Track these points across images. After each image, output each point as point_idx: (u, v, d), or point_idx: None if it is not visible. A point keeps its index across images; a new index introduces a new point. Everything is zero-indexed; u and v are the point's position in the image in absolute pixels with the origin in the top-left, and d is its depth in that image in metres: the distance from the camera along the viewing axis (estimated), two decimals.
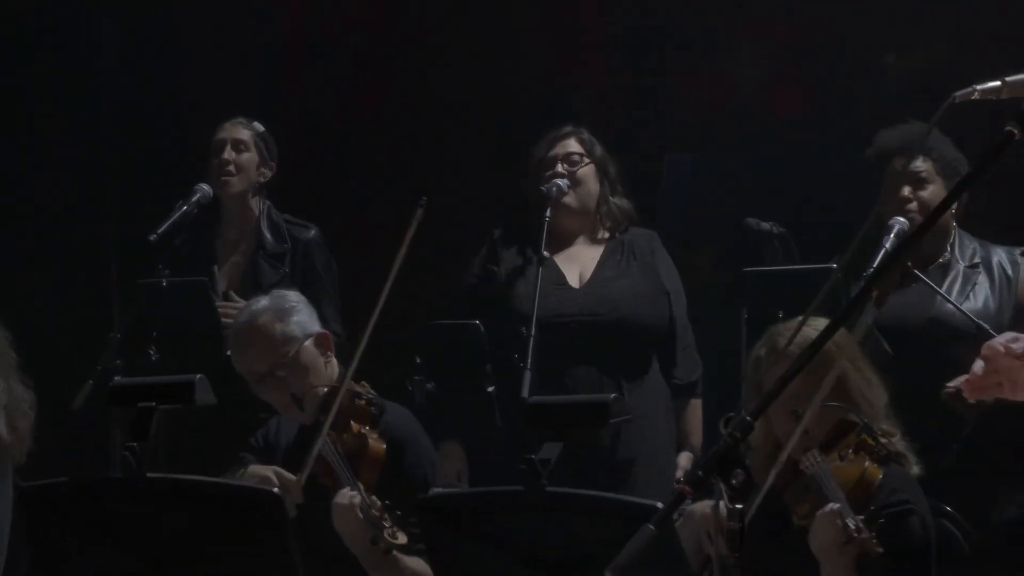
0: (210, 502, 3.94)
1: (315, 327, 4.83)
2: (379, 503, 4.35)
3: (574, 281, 5.61)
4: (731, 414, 2.80)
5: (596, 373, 5.49)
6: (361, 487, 4.43)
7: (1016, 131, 2.74)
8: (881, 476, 4.10)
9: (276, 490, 4.24)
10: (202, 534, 3.88)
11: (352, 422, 4.59)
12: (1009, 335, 3.18)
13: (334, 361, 4.85)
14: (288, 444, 4.87)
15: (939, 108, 2.79)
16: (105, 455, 5.74)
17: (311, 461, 4.50)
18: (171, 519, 3.92)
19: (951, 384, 3.87)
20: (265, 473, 4.64)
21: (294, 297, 4.89)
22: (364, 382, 4.71)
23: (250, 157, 5.99)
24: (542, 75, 6.81)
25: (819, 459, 4.03)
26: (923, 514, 4.11)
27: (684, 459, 5.58)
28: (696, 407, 5.68)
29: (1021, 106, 2.75)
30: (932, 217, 2.92)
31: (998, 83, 2.77)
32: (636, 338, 5.58)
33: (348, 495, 4.43)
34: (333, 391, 4.64)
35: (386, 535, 4.31)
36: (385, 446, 4.57)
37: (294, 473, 4.58)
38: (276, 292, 4.96)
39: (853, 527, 3.91)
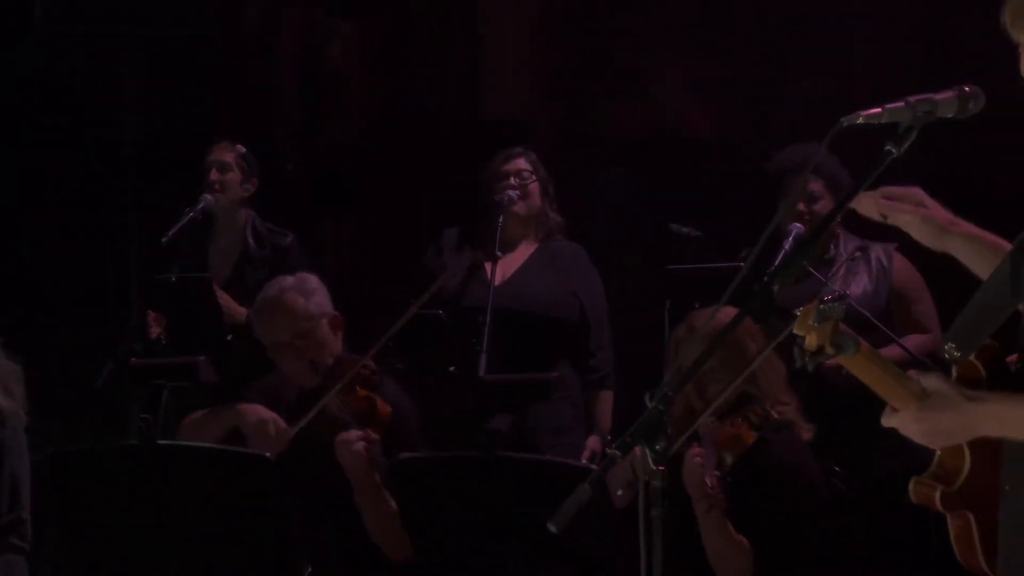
0: (211, 465, 3.95)
1: (329, 308, 4.76)
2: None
3: (499, 279, 5.47)
4: (655, 389, 2.78)
5: (511, 362, 5.30)
6: (374, 440, 4.38)
7: (894, 150, 2.74)
8: (754, 440, 4.11)
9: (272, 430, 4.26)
10: (204, 492, 3.88)
11: (358, 387, 4.55)
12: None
13: (340, 339, 4.77)
14: (291, 403, 4.75)
15: (829, 131, 2.79)
16: (123, 425, 5.71)
17: (311, 415, 4.41)
18: (178, 480, 3.92)
19: None
20: (265, 416, 4.56)
21: (315, 281, 4.81)
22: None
23: (233, 176, 6.00)
24: (497, 103, 6.80)
25: (711, 423, 4.04)
26: (808, 472, 4.13)
27: (592, 442, 5.47)
28: (606, 398, 5.57)
29: (898, 129, 2.76)
30: (823, 226, 2.92)
31: (879, 109, 2.77)
32: (541, 331, 5.46)
33: (354, 433, 4.37)
34: (341, 362, 4.61)
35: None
36: (391, 409, 4.53)
37: (297, 438, 4.51)
38: (300, 274, 4.86)
39: (708, 482, 3.94)
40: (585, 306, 5.57)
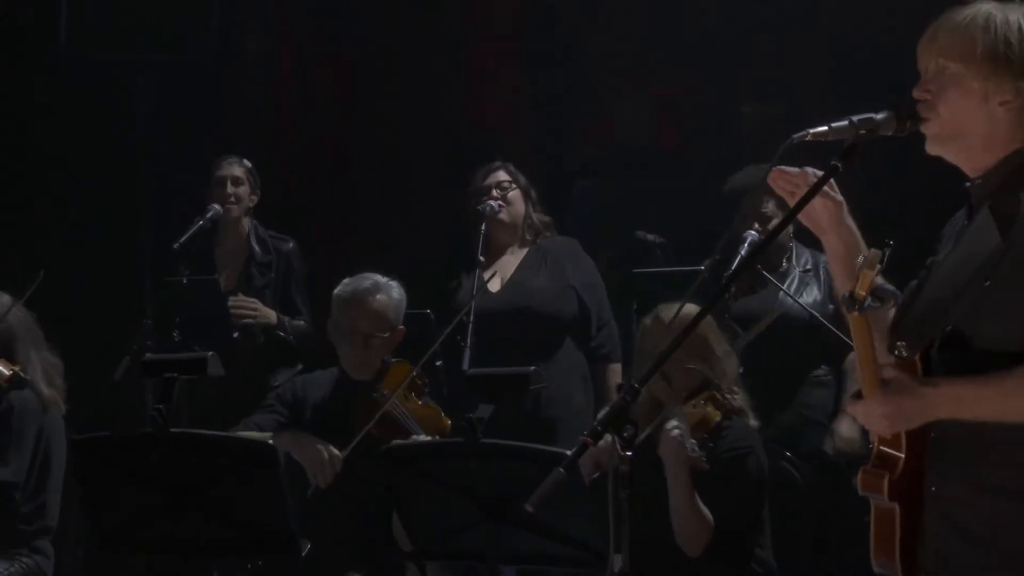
0: (219, 452, 3.93)
1: (401, 321, 4.81)
2: None
3: (495, 286, 5.51)
4: (623, 382, 2.79)
5: (518, 356, 5.40)
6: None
7: (840, 165, 2.74)
8: (719, 419, 4.12)
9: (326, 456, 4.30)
10: (213, 477, 3.87)
11: (414, 394, 4.61)
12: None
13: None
14: (316, 402, 4.78)
15: (779, 148, 2.79)
16: (139, 415, 5.70)
17: (356, 441, 4.41)
18: (189, 465, 3.90)
19: None
20: (318, 446, 4.54)
21: (401, 291, 4.85)
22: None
23: (244, 189, 6.02)
24: (479, 121, 6.80)
25: (677, 405, 4.07)
26: (758, 456, 4.14)
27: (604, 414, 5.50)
28: (614, 370, 5.56)
29: (844, 146, 2.77)
30: (772, 236, 2.92)
31: (825, 128, 2.76)
32: (543, 324, 5.49)
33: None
34: (386, 365, 4.69)
35: None
36: (450, 422, 4.59)
37: (328, 436, 4.54)
38: (391, 281, 4.87)
39: (688, 446, 3.94)
40: (581, 293, 5.56)
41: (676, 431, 3.97)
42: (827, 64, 6.13)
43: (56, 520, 4.77)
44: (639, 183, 6.84)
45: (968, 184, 2.79)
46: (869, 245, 2.84)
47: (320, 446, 4.53)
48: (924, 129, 2.75)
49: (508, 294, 5.49)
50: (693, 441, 3.96)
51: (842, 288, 2.82)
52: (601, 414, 2.76)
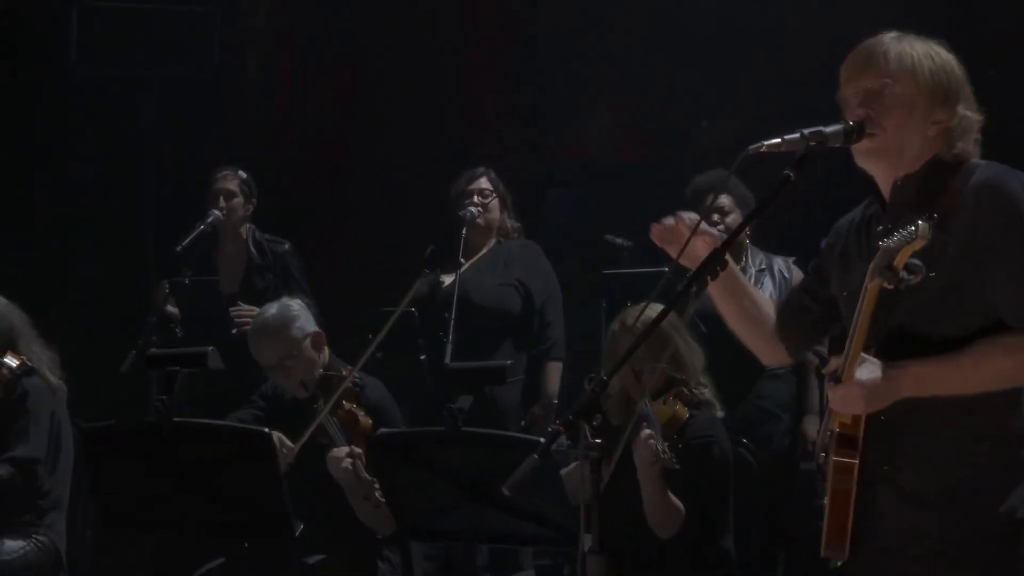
0: (217, 439, 3.91)
1: (312, 328, 4.59)
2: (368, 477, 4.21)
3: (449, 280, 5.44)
4: (592, 375, 2.77)
5: (459, 346, 5.25)
6: (358, 454, 4.26)
7: (792, 174, 2.76)
8: (687, 416, 4.11)
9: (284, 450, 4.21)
10: (212, 463, 3.85)
11: (344, 401, 4.41)
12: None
13: (326, 351, 4.62)
14: (289, 400, 4.66)
15: (737, 158, 2.79)
16: (144, 405, 5.68)
17: (306, 436, 4.30)
18: (190, 452, 3.88)
19: None
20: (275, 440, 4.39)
21: (296, 306, 4.63)
22: (348, 366, 4.55)
23: (238, 200, 5.94)
24: (462, 133, 6.80)
25: (648, 402, 4.03)
26: (722, 444, 4.13)
27: (538, 408, 5.43)
28: (552, 368, 5.48)
29: (795, 157, 2.77)
30: (732, 236, 2.93)
31: (779, 140, 2.77)
32: (486, 319, 5.42)
33: (343, 451, 4.26)
34: (327, 375, 4.49)
35: (376, 495, 4.18)
36: (372, 421, 4.39)
37: (294, 429, 4.44)
38: (283, 302, 4.68)
39: (660, 449, 3.93)
40: (530, 293, 5.51)
41: (650, 439, 3.95)
42: (781, 82, 6.15)
43: (67, 496, 4.74)
44: (608, 191, 6.84)
45: (875, 188, 2.84)
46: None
47: (277, 437, 4.45)
48: (867, 142, 2.78)
49: (455, 288, 5.41)
50: (665, 444, 3.94)
51: (727, 309, 2.99)
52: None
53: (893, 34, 2.83)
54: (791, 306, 3.08)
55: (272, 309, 4.64)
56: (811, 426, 5.14)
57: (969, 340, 2.67)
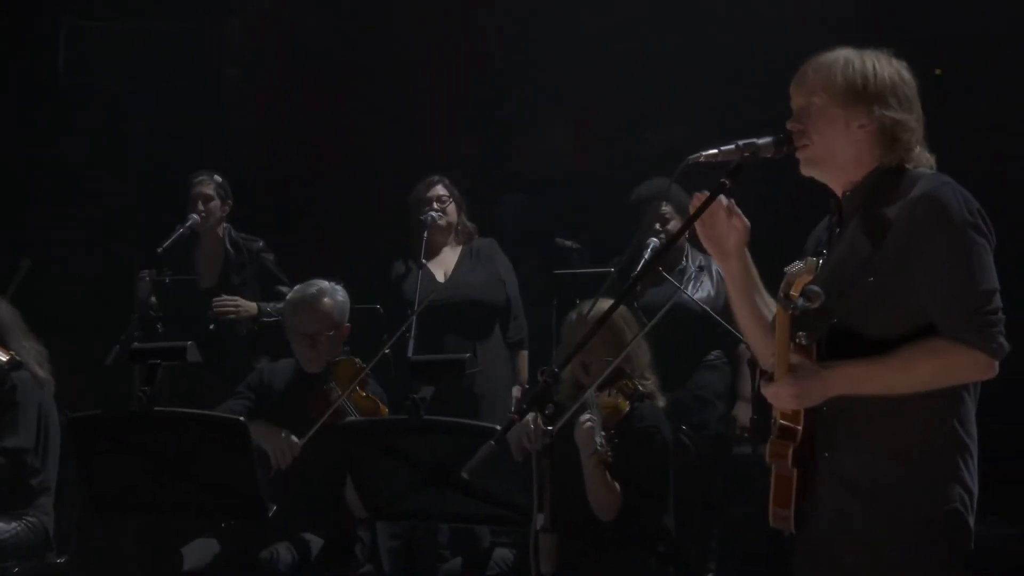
0: (196, 427, 3.86)
1: (346, 320, 4.67)
2: None
3: (440, 278, 5.57)
4: (545, 368, 2.77)
5: (458, 338, 5.45)
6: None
7: (728, 182, 2.76)
8: (628, 409, 4.09)
9: (287, 444, 4.19)
10: (191, 450, 3.80)
11: (359, 387, 4.50)
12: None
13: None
14: (279, 388, 4.66)
15: (677, 167, 2.79)
16: (127, 395, 5.62)
17: (313, 432, 4.29)
18: (170, 439, 3.83)
19: None
20: (281, 435, 4.41)
21: (343, 292, 4.70)
22: (352, 357, 4.61)
23: (215, 204, 5.92)
24: (422, 142, 6.78)
25: (594, 394, 4.01)
26: (664, 433, 4.13)
27: (516, 391, 5.54)
28: (524, 356, 5.64)
29: (730, 166, 2.76)
30: (673, 239, 2.93)
31: (716, 150, 2.77)
32: (482, 312, 5.53)
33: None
34: (334, 362, 4.53)
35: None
36: (387, 409, 4.49)
37: (287, 418, 4.45)
38: (333, 285, 4.71)
39: (597, 442, 3.91)
40: (507, 286, 5.59)
41: (588, 424, 3.94)
42: (721, 95, 6.16)
43: (55, 481, 4.69)
44: (558, 196, 6.84)
45: (835, 198, 2.83)
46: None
47: (283, 435, 4.43)
48: (799, 154, 2.79)
49: (450, 287, 5.49)
50: (603, 435, 3.92)
51: (739, 310, 2.88)
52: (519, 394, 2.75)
53: (845, 50, 2.79)
54: None
55: (326, 285, 4.67)
56: (742, 412, 5.16)
57: (902, 342, 2.65)
